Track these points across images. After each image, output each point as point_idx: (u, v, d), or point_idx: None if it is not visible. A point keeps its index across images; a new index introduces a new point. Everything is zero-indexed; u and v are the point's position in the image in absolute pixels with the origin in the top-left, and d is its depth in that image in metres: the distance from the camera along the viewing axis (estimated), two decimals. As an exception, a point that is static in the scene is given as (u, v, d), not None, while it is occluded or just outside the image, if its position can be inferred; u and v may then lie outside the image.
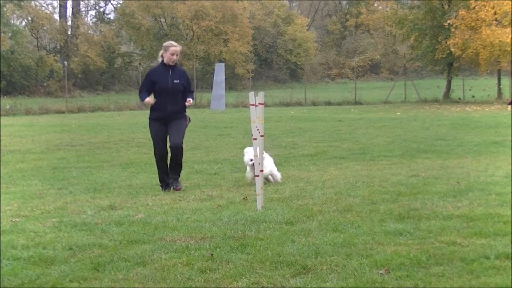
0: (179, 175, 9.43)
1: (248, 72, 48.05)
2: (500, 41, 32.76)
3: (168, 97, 9.19)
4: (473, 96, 36.26)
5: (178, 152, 9.25)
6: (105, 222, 6.95)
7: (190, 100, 9.28)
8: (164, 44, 9.41)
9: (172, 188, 9.23)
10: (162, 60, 9.31)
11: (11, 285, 4.96)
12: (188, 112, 9.58)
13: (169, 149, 9.33)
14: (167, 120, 9.26)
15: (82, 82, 51.32)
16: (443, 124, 20.35)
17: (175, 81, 9.21)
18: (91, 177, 10.66)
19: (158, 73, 9.34)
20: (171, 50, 9.21)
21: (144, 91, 9.33)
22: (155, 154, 9.46)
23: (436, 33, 36.33)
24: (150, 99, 9.19)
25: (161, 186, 9.36)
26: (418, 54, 38.50)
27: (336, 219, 6.83)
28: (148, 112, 9.45)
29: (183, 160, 9.42)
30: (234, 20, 53.29)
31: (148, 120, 9.49)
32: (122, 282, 4.96)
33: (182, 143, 9.30)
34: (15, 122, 25.79)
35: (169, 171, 9.34)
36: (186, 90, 9.32)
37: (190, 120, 9.48)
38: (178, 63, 9.43)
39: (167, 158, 9.39)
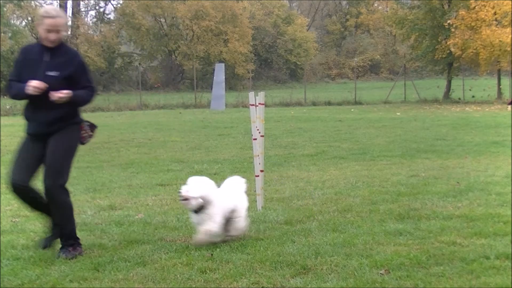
0: (70, 236, 5.60)
1: (248, 72, 48.10)
2: (500, 41, 32.78)
3: (41, 98, 5.49)
4: (473, 96, 36.25)
5: (53, 198, 5.53)
6: (105, 222, 6.95)
7: (68, 93, 5.52)
8: (40, 11, 5.97)
9: (60, 255, 5.51)
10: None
11: (11, 285, 4.96)
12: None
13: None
14: (44, 135, 5.64)
15: (82, 82, 51.30)
16: (443, 124, 20.34)
17: (48, 73, 5.63)
18: (91, 177, 10.64)
19: (30, 56, 5.85)
20: (47, 23, 5.71)
21: (15, 86, 5.74)
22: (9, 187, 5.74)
23: (436, 33, 36.36)
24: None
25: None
26: (418, 54, 38.53)
27: (336, 219, 6.83)
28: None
29: (71, 210, 5.63)
30: (234, 20, 53.33)
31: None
32: (122, 282, 4.96)
33: (63, 183, 5.53)
34: (15, 122, 25.73)
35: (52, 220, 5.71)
36: (75, 83, 5.66)
37: (92, 129, 6.22)
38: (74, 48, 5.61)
39: (28, 196, 5.72)
